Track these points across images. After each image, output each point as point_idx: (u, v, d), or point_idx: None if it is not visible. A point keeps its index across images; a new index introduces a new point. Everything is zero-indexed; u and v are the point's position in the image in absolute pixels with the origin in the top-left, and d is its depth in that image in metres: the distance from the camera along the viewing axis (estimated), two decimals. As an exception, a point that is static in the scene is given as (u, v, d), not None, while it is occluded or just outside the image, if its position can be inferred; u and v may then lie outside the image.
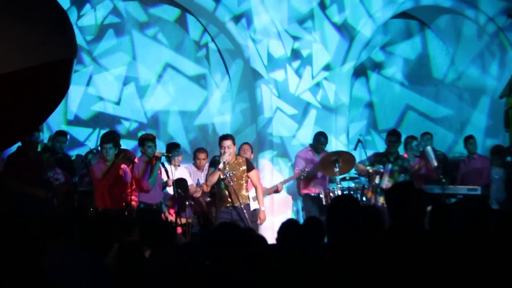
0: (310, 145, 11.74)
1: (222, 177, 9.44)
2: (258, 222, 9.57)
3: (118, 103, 12.48)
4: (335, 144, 12.79)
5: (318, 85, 12.93)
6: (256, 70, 12.75)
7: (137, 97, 12.61)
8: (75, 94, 12.11)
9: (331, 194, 10.95)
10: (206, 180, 9.72)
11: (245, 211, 9.39)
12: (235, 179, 9.48)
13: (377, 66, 13.77)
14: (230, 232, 4.76)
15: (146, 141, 10.02)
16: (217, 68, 13.15)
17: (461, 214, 4.94)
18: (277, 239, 5.16)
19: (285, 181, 11.84)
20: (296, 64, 13.01)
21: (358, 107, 13.98)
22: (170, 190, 10.59)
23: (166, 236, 5.83)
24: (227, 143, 9.44)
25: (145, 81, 12.55)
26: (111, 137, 10.08)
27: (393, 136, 10.92)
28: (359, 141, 11.48)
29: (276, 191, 11.52)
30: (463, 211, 5.00)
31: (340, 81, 13.12)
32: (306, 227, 5.47)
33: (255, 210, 9.80)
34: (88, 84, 12.11)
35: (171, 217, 10.28)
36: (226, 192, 9.46)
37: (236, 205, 9.44)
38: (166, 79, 12.68)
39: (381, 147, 12.72)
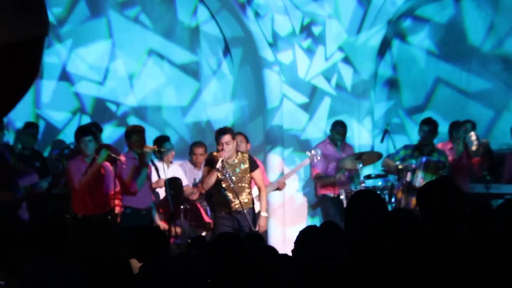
0: (328, 136, 11.37)
1: (220, 178, 9.15)
2: (257, 229, 9.24)
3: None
4: (357, 131, 12.22)
5: (333, 68, 12.45)
6: (258, 52, 12.21)
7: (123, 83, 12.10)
8: (49, 77, 11.65)
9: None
10: (202, 182, 9.46)
11: (248, 216, 9.13)
12: (236, 180, 9.19)
13: (400, 34, 13.01)
14: (232, 244, 4.79)
15: (133, 133, 9.59)
16: (212, 54, 12.58)
17: (508, 219, 4.71)
18: (293, 251, 5.06)
19: (289, 174, 11.30)
20: (306, 43, 12.41)
21: (377, 84, 13.25)
22: (161, 192, 10.32)
23: (159, 249, 5.70)
24: (226, 138, 9.10)
25: (127, 71, 12.09)
26: (91, 129, 9.74)
27: (427, 125, 10.41)
28: (386, 131, 11.00)
29: (278, 188, 11.03)
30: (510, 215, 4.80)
31: (361, 59, 12.60)
32: (322, 233, 5.22)
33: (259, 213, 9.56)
34: (61, 75, 11.72)
35: (163, 225, 9.83)
36: (227, 195, 9.18)
37: (238, 210, 9.14)
38: (152, 68, 12.19)
39: (412, 132, 12.15)
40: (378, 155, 10.86)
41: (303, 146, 12.05)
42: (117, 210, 9.31)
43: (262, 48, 12.18)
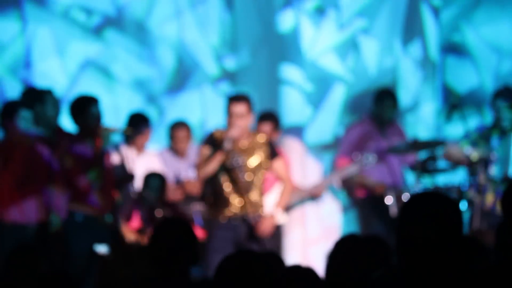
0: (367, 114, 10.16)
1: (226, 165, 8.41)
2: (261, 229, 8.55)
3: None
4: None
5: (352, 42, 11.13)
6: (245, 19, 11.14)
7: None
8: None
9: (404, 198, 9.40)
10: (198, 169, 8.68)
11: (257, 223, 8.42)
12: (248, 171, 8.45)
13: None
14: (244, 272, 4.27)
15: (88, 106, 8.49)
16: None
17: None
18: (327, 269, 4.54)
19: (330, 179, 10.16)
20: (311, 6, 11.19)
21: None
22: (130, 189, 9.28)
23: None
24: (240, 108, 8.35)
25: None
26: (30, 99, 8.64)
27: (503, 98, 9.37)
28: (453, 105, 9.58)
29: (315, 195, 9.95)
30: None
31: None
32: (364, 251, 4.68)
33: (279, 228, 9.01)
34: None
35: (131, 235, 8.89)
36: (229, 192, 8.43)
37: (243, 216, 8.44)
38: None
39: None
40: (440, 143, 9.68)
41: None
42: (58, 215, 8.30)
43: (250, 14, 11.09)
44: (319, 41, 11.09)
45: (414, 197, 4.07)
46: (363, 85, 11.00)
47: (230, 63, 11.23)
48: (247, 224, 8.44)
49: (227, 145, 8.29)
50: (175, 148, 9.69)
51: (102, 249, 8.26)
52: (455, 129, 10.26)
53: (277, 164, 8.59)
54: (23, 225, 8.07)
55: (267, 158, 8.50)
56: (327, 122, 10.95)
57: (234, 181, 8.45)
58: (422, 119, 11.16)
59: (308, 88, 11.05)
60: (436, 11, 11.21)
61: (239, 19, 11.30)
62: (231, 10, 11.29)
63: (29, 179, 8.23)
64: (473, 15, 11.40)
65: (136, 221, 9.01)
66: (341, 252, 4.66)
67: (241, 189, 8.46)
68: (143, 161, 9.25)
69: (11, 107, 8.60)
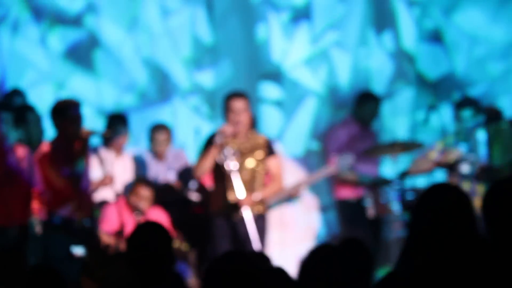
0: (352, 115, 10.25)
1: (218, 161, 8.47)
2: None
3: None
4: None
5: (323, 54, 11.21)
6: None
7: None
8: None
9: (381, 201, 9.65)
10: (195, 166, 8.95)
11: (256, 225, 8.49)
12: (245, 169, 8.52)
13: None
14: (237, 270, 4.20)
15: (67, 110, 8.53)
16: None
17: None
18: (299, 278, 4.53)
19: (309, 180, 10.23)
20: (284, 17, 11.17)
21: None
22: (107, 193, 9.20)
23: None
24: (239, 104, 8.41)
25: None
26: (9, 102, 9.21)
27: (466, 107, 9.65)
28: (431, 108, 10.17)
29: (293, 195, 9.95)
30: None
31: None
32: (341, 255, 4.63)
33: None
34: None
35: (109, 239, 8.90)
36: (228, 191, 8.54)
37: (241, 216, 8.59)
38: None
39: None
40: (418, 145, 9.82)
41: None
42: (37, 216, 8.37)
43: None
44: (292, 53, 11.23)
45: (432, 189, 4.16)
46: (335, 98, 11.15)
47: (207, 76, 11.33)
48: (243, 224, 8.49)
49: (218, 139, 8.31)
50: (154, 151, 9.72)
51: (78, 251, 8.29)
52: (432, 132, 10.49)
53: (272, 162, 8.62)
54: (4, 227, 8.05)
55: (265, 157, 8.61)
56: (299, 135, 11.05)
57: (236, 177, 8.54)
58: (398, 109, 11.27)
59: (281, 101, 11.15)
60: (410, 3, 11.37)
61: (219, 32, 11.36)
62: (212, 22, 11.33)
63: (8, 181, 8.20)
64: (446, 4, 11.54)
65: (113, 224, 9.00)
66: (314, 263, 4.65)
67: (244, 185, 8.56)
68: (122, 163, 9.28)
69: None
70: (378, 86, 11.22)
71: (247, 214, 8.48)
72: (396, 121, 11.14)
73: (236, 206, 8.56)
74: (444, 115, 10.26)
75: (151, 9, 11.41)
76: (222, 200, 8.58)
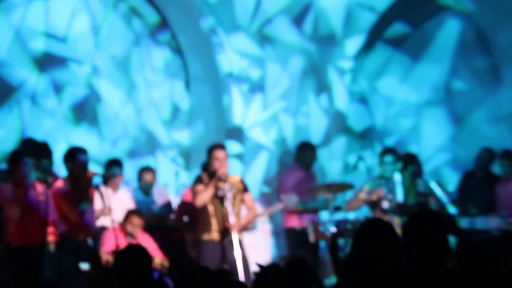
0: (296, 160, 10.96)
1: (218, 195, 9.04)
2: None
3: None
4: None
5: (273, 118, 12.07)
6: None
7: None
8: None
9: (320, 229, 10.19)
10: (196, 200, 9.18)
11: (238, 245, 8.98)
12: (234, 201, 9.13)
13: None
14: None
15: (78, 153, 9.22)
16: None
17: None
18: None
19: (266, 212, 11.09)
20: (244, 88, 12.07)
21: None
22: (106, 221, 9.78)
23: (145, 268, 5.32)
24: (222, 153, 9.12)
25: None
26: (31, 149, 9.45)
27: (389, 154, 10.24)
28: (360, 158, 10.73)
29: (245, 228, 10.23)
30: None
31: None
32: (288, 274, 5.06)
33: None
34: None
35: (108, 257, 9.37)
36: (216, 218, 9.10)
37: (229, 237, 9.05)
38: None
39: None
40: (350, 186, 10.45)
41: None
42: (51, 239, 9.05)
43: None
44: (249, 117, 11.99)
45: (367, 223, 4.63)
46: (282, 150, 11.90)
47: (184, 135, 12.13)
48: (229, 245, 9.05)
49: (221, 175, 9.00)
50: (142, 188, 10.61)
51: (84, 266, 9.04)
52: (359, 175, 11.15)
53: (248, 196, 9.31)
54: (25, 246, 8.84)
55: (241, 192, 9.26)
56: (255, 180, 11.72)
57: (219, 209, 9.09)
58: (333, 154, 12.09)
59: (241, 154, 11.89)
60: (342, 72, 12.11)
61: (193, 99, 12.11)
62: (187, 91, 12.09)
63: (29, 211, 8.93)
64: (370, 73, 12.39)
65: (111, 245, 9.49)
66: (262, 279, 5.05)
67: (223, 216, 9.09)
68: (117, 198, 10.09)
69: (17, 155, 9.17)
70: (316, 137, 11.88)
71: (235, 238, 9.01)
72: (331, 164, 11.84)
73: (227, 231, 9.06)
74: (369, 161, 10.90)
75: (140, 81, 12.06)
76: (216, 225, 9.13)
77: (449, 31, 12.21)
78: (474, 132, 12.18)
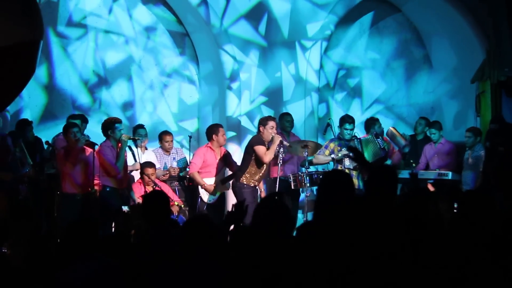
0: (280, 128, 11.34)
1: (277, 154, 9.92)
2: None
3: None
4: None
5: (258, 109, 12.54)
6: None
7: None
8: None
9: (299, 178, 10.68)
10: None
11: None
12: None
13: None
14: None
15: (115, 123, 9.85)
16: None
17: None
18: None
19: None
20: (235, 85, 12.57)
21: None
22: (136, 174, 10.50)
23: (166, 210, 5.77)
24: (274, 123, 9.94)
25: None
26: (75, 122, 10.08)
27: (347, 121, 10.59)
28: (328, 125, 11.02)
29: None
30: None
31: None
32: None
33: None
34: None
35: (139, 201, 10.01)
36: (260, 169, 9.83)
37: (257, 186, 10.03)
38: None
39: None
40: (320, 146, 10.79)
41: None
42: (97, 189, 9.58)
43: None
44: (240, 108, 12.39)
45: (328, 173, 4.85)
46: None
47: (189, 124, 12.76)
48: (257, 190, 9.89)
49: (285, 143, 9.88)
50: (163, 148, 11.15)
51: (125, 208, 9.46)
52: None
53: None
54: (74, 194, 9.52)
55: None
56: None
57: (277, 159, 9.98)
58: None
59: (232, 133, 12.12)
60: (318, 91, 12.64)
61: (201, 93, 12.62)
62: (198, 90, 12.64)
63: (80, 166, 9.45)
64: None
65: (140, 192, 10.10)
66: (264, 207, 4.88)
67: (262, 170, 9.85)
68: (145, 156, 10.68)
69: (65, 127, 9.66)
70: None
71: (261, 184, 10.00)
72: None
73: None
74: (335, 127, 11.10)
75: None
76: (256, 175, 9.80)
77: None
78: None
